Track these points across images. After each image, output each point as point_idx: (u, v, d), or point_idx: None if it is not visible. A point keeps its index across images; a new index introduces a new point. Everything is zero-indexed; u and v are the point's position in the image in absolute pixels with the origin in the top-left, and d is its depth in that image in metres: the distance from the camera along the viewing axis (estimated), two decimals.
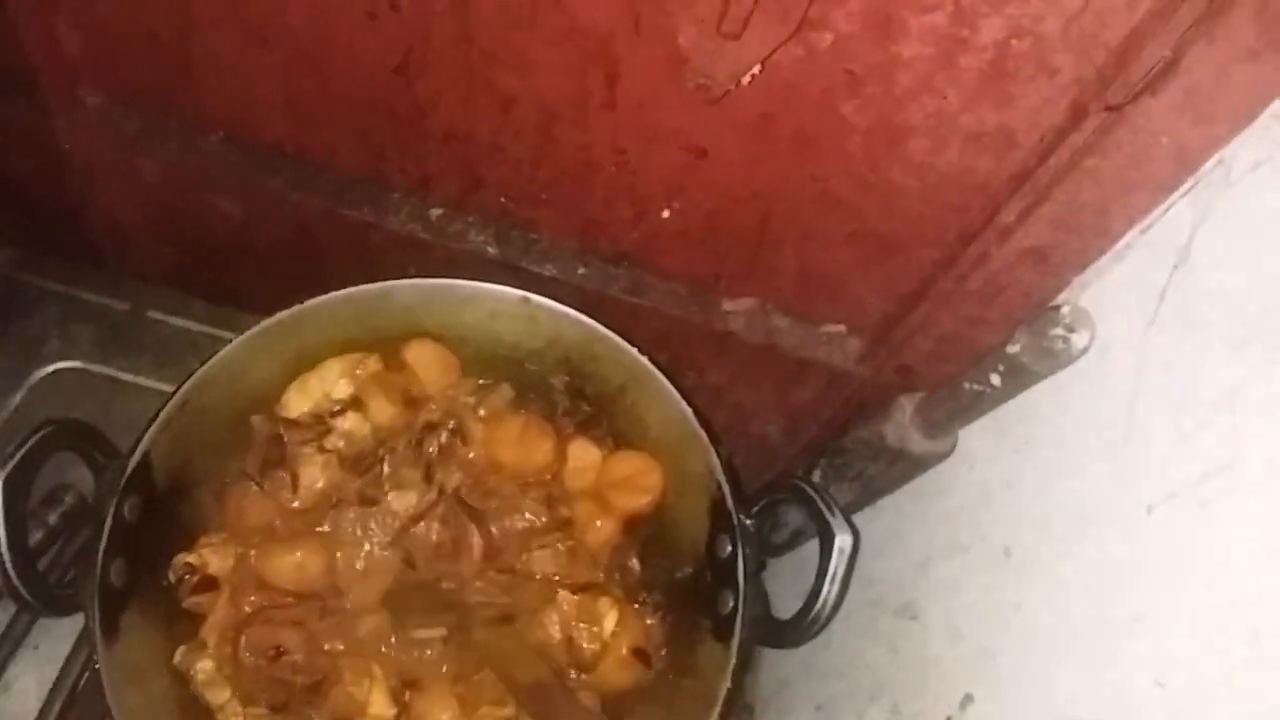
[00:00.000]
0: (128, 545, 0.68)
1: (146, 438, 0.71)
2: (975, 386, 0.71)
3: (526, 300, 0.81)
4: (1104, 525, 0.61)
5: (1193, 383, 0.55)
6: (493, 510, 0.82)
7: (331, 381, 0.83)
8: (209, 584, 0.75)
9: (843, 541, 0.70)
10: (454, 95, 0.75)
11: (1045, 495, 0.68)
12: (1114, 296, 0.64)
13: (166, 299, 1.01)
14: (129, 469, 0.69)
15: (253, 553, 0.76)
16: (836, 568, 0.70)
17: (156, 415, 0.71)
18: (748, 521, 0.76)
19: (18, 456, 0.63)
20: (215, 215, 0.91)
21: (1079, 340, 0.64)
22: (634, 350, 0.80)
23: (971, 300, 0.72)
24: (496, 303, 0.82)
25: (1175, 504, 0.55)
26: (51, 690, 0.81)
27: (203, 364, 0.74)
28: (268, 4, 0.72)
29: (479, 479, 0.83)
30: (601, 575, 0.82)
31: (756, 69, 0.62)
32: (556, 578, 0.79)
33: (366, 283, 0.81)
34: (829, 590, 0.70)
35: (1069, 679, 0.60)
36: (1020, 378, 0.68)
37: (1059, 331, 0.64)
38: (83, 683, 0.80)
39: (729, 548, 0.76)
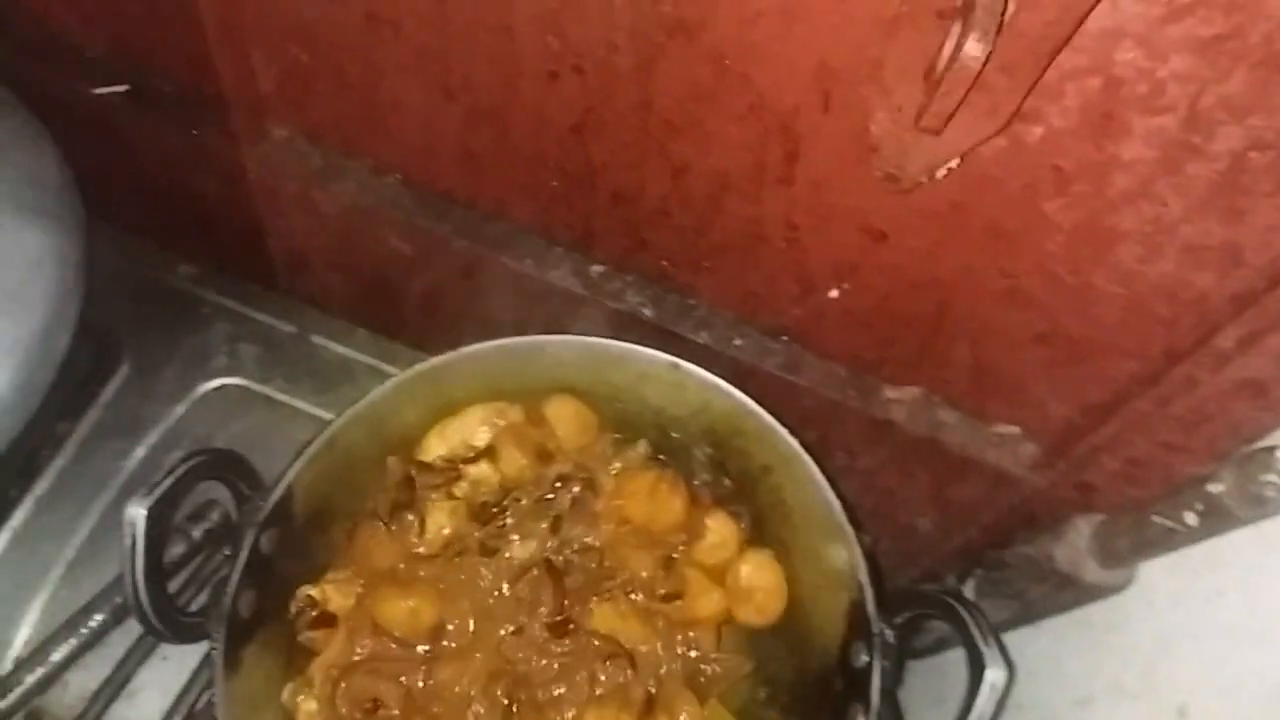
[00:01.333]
0: (260, 577, 0.69)
1: (292, 472, 0.71)
2: (1166, 521, 0.64)
3: (676, 367, 0.79)
4: None
5: None
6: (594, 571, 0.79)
7: (471, 429, 0.82)
8: (327, 620, 0.74)
9: (995, 677, 0.64)
10: (627, 158, 0.73)
11: (1234, 658, 0.60)
12: None
13: (331, 326, 1.03)
14: (272, 502, 0.70)
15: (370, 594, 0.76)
16: (985, 707, 0.63)
17: (303, 450, 0.72)
18: (888, 633, 0.70)
19: (164, 486, 0.64)
20: (386, 251, 0.92)
21: None
22: (784, 430, 0.76)
23: (1172, 425, 0.64)
24: (646, 366, 0.80)
25: None
26: (174, 704, 0.82)
27: (353, 403, 0.75)
28: (453, 58, 0.72)
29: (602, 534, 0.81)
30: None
31: (955, 163, 0.57)
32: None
33: (523, 330, 0.80)
34: None
35: None
36: (1219, 520, 0.60)
37: (1271, 477, 0.57)
38: (200, 704, 0.82)
39: (864, 658, 0.70)
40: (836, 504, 0.74)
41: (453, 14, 0.69)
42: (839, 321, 0.80)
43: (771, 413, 0.77)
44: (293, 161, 0.89)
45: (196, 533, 0.85)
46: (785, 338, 0.84)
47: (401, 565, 0.78)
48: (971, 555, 0.84)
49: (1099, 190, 0.57)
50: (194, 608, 0.73)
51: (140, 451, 0.92)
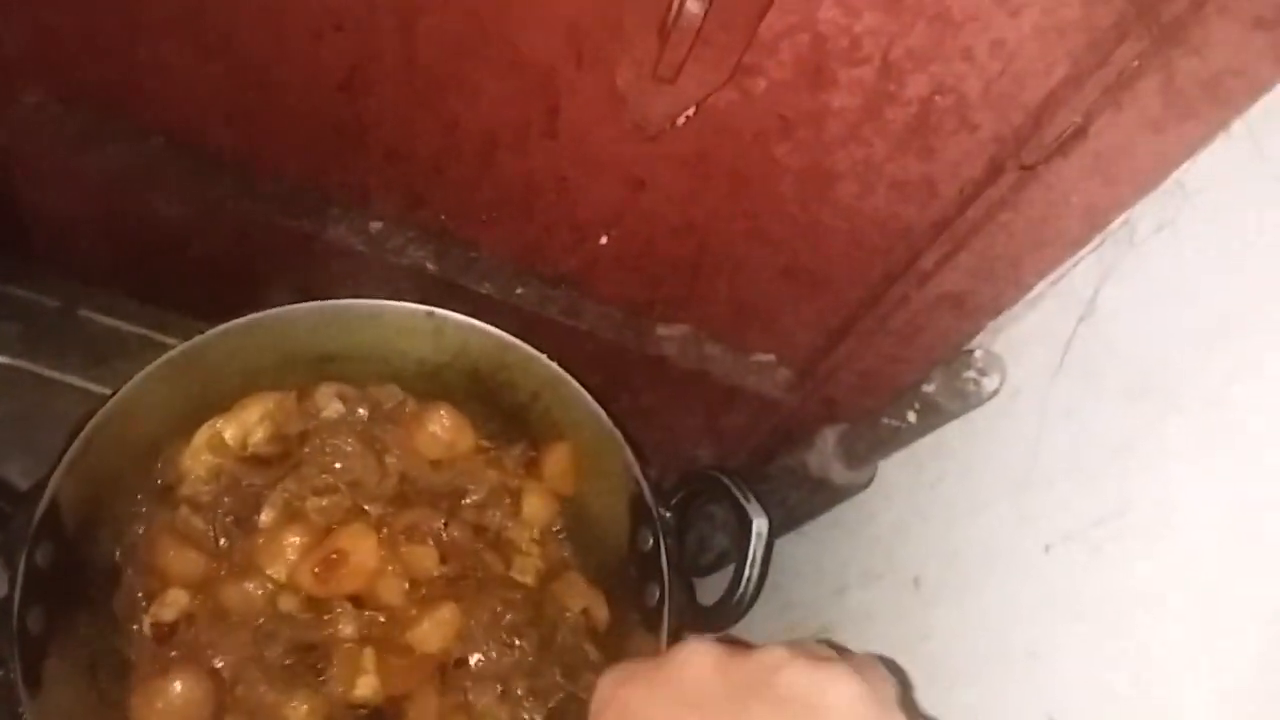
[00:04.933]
0: (43, 591, 0.66)
1: (52, 482, 0.68)
2: (893, 422, 0.74)
3: (430, 314, 0.81)
4: (1005, 562, 0.63)
5: (1091, 431, 0.58)
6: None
7: (250, 426, 0.81)
8: (170, 630, 0.73)
9: (759, 525, 0.73)
10: (397, 115, 0.76)
11: (953, 530, 0.71)
12: (1024, 344, 0.67)
13: (98, 298, 1.00)
14: (38, 516, 0.66)
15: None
16: (755, 551, 0.72)
17: (60, 458, 0.68)
18: (667, 514, 0.78)
19: None
20: (154, 217, 0.90)
21: (989, 383, 0.67)
22: (543, 356, 0.80)
23: (892, 339, 0.74)
24: (403, 319, 0.81)
25: (1071, 545, 0.58)
26: None
27: (104, 402, 0.71)
28: (216, 17, 0.72)
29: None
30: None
31: (690, 111, 0.64)
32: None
33: (304, 292, 0.80)
34: (749, 573, 0.73)
35: (967, 711, 0.63)
36: (934, 416, 0.71)
37: (971, 374, 0.67)
38: None
39: (650, 541, 0.77)
40: (602, 412, 0.79)
41: None
42: (611, 267, 0.85)
43: (558, 357, 0.81)
44: (48, 127, 0.85)
45: None
46: (564, 285, 0.89)
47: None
48: (742, 475, 0.92)
49: (817, 136, 0.65)
50: None
51: None
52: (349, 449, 0.79)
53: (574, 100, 0.69)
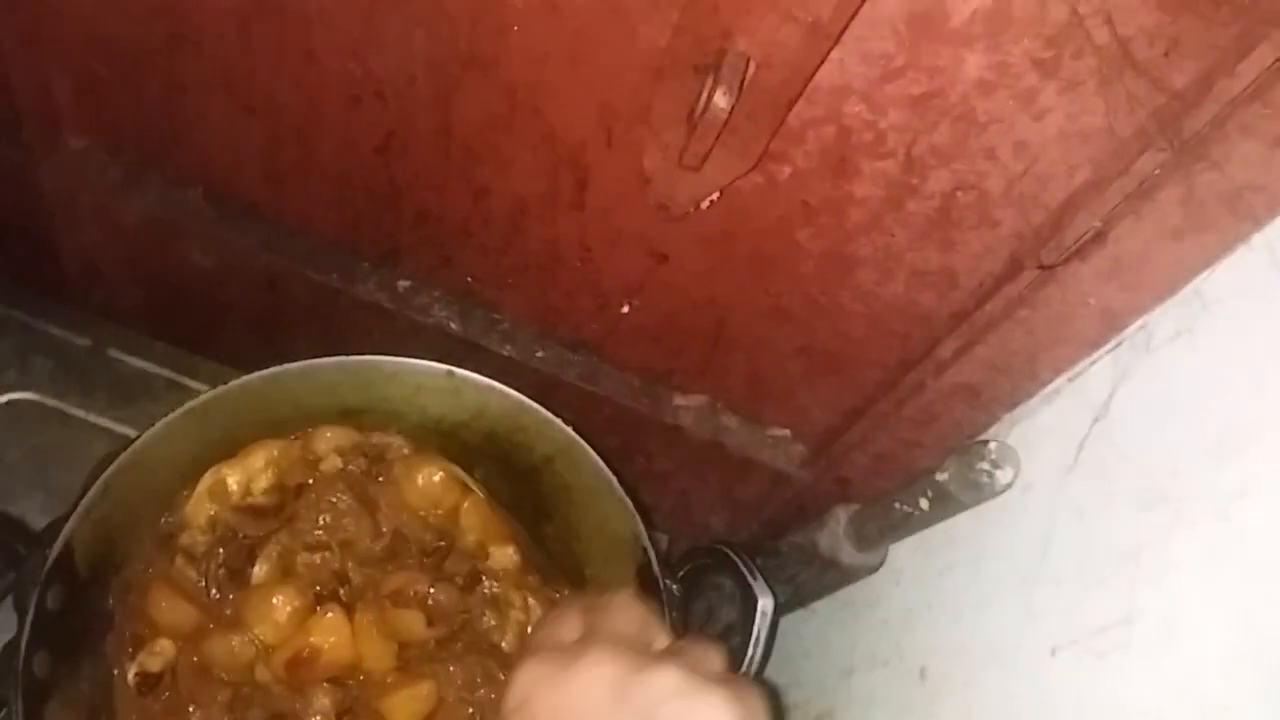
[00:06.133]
0: (50, 635, 0.66)
1: (68, 527, 0.68)
2: (905, 507, 0.73)
3: (451, 374, 0.81)
4: (1010, 660, 0.63)
5: (1101, 534, 0.58)
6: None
7: (254, 473, 0.82)
8: (154, 681, 0.73)
9: (765, 604, 0.73)
10: (429, 180, 0.78)
11: (961, 622, 0.70)
12: (1039, 439, 0.67)
13: (129, 339, 1.02)
14: (51, 559, 0.67)
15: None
16: (760, 629, 0.71)
17: (77, 504, 0.69)
18: (673, 586, 0.77)
19: None
20: (187, 265, 0.92)
21: (1003, 476, 0.66)
22: (559, 421, 0.80)
23: (907, 424, 0.75)
24: (422, 377, 0.82)
25: (1076, 650, 0.57)
26: None
27: (125, 446, 0.72)
28: (256, 78, 0.74)
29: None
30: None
31: (715, 195, 0.65)
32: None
33: (328, 344, 0.81)
34: (753, 651, 0.72)
35: None
36: (946, 505, 0.70)
37: (985, 466, 0.67)
38: None
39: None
40: (613, 479, 0.79)
41: (256, 37, 0.71)
42: (631, 335, 0.86)
43: (574, 422, 0.81)
44: (90, 173, 0.88)
45: None
46: (584, 350, 0.90)
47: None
48: (752, 547, 0.92)
49: (839, 222, 0.66)
50: None
51: None
52: (343, 506, 0.80)
53: (602, 176, 0.71)
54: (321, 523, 0.80)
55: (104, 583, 0.74)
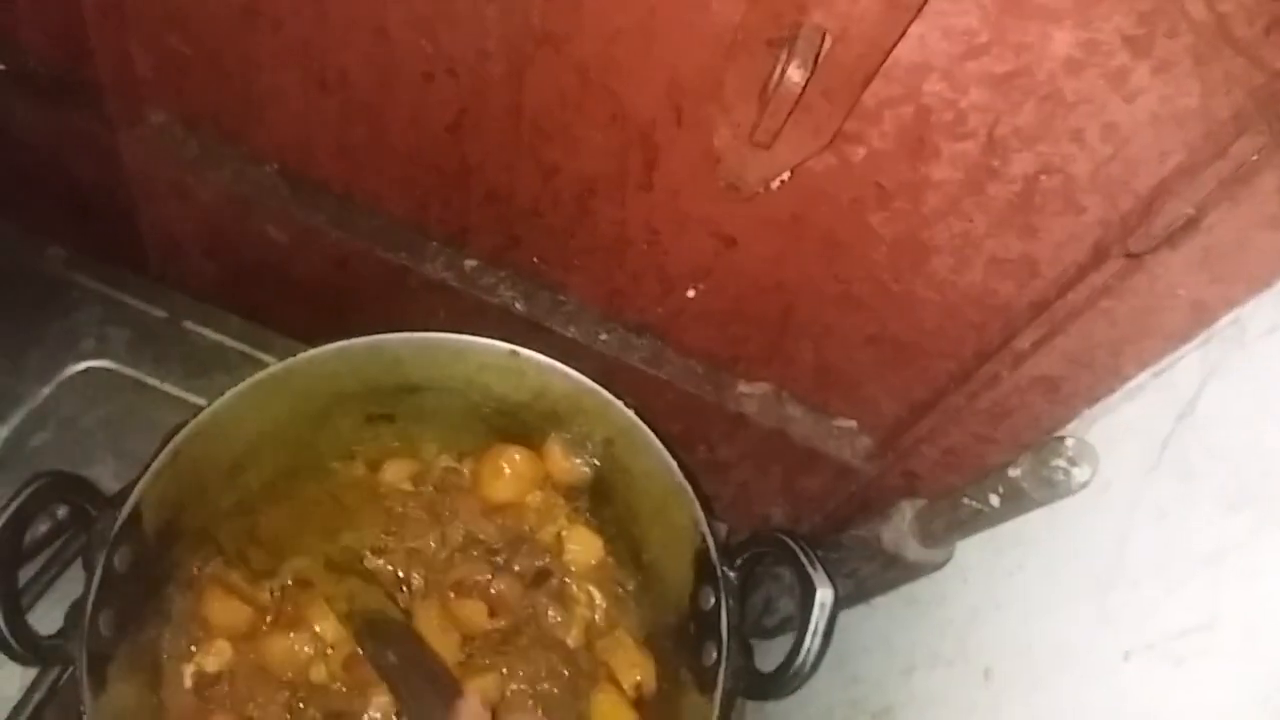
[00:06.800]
0: (117, 595, 0.68)
1: (137, 489, 0.70)
2: (974, 503, 0.71)
3: (515, 354, 0.81)
4: (1082, 664, 0.60)
5: (1183, 536, 0.55)
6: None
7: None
8: (210, 680, 0.76)
9: (824, 596, 0.71)
10: (500, 160, 0.77)
11: (1030, 623, 0.68)
12: (1120, 436, 0.64)
13: (203, 312, 1.04)
14: (120, 521, 0.68)
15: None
16: (818, 621, 0.70)
17: (148, 467, 0.71)
18: (731, 573, 0.76)
19: (9, 512, 0.63)
20: (261, 240, 0.94)
21: (1080, 474, 0.64)
22: (620, 403, 0.80)
23: (980, 418, 0.72)
24: (486, 356, 0.82)
25: (1152, 655, 0.54)
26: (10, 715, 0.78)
27: (195, 415, 0.74)
28: (330, 54, 0.74)
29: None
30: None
31: (786, 175, 0.63)
32: None
33: (394, 321, 0.82)
34: (810, 644, 0.70)
35: None
36: (1018, 502, 0.68)
37: (1061, 463, 0.64)
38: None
39: (712, 600, 0.76)
40: (674, 464, 0.78)
41: (330, 12, 0.72)
42: (696, 320, 0.85)
43: (636, 406, 0.81)
44: (169, 148, 0.90)
45: (42, 555, 0.82)
46: (648, 334, 0.90)
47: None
48: (813, 540, 0.91)
49: (915, 207, 0.64)
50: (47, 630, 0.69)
51: (3, 432, 0.92)
52: (413, 516, 0.81)
53: (671, 156, 0.70)
54: (390, 529, 0.82)
55: (170, 547, 0.76)
